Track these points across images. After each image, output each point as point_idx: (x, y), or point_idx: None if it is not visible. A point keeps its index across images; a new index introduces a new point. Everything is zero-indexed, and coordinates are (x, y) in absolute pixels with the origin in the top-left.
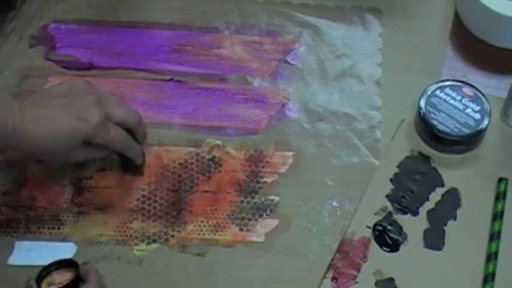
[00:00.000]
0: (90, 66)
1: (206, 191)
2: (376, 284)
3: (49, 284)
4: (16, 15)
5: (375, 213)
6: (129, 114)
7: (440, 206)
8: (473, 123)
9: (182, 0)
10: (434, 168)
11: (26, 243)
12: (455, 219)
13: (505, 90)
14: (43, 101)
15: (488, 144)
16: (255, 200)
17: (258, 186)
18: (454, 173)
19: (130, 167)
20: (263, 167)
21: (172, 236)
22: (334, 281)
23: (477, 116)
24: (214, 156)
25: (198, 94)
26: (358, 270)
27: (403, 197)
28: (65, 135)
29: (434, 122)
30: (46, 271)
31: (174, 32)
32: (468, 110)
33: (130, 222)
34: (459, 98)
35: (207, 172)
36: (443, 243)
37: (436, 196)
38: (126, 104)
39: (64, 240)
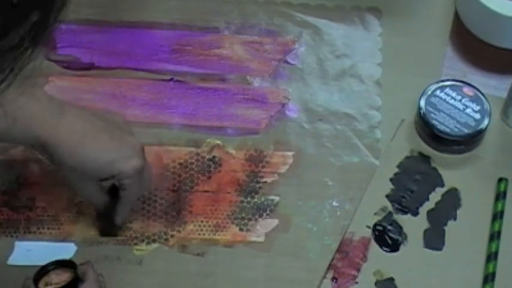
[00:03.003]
0: (90, 66)
1: (206, 191)
2: (376, 284)
3: (46, 284)
4: None
5: (375, 213)
6: (150, 179)
7: (440, 206)
8: (473, 123)
9: (182, 0)
10: (434, 168)
11: (26, 244)
12: (455, 219)
13: (505, 90)
14: (89, 117)
15: (488, 144)
16: (255, 200)
17: (258, 186)
18: (454, 173)
19: (105, 229)
20: (263, 167)
21: (172, 236)
22: (334, 281)
23: (477, 116)
24: (214, 156)
25: (198, 94)
26: (358, 270)
27: (403, 197)
28: (105, 164)
29: (434, 122)
30: (43, 271)
31: (174, 32)
32: (468, 110)
33: (130, 222)
34: (459, 98)
35: (207, 172)
36: (443, 243)
37: (436, 196)
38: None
39: (64, 240)
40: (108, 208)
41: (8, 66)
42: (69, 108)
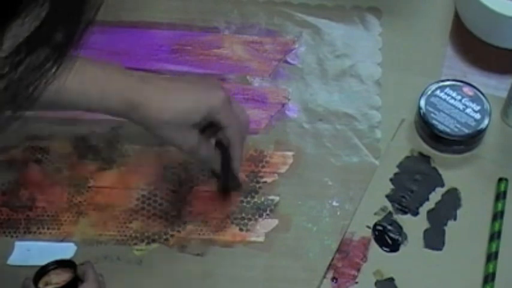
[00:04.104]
0: None
1: (206, 191)
2: (376, 284)
3: (46, 284)
4: None
5: (375, 213)
6: (245, 111)
7: (440, 206)
8: (473, 123)
9: (182, 0)
10: (434, 168)
11: (26, 244)
12: (455, 219)
13: (505, 90)
14: (166, 77)
15: (489, 144)
16: (255, 199)
17: (258, 186)
18: (454, 173)
19: (227, 184)
20: (263, 167)
21: (172, 235)
22: (334, 281)
23: (477, 115)
24: None
25: None
26: (358, 270)
27: (403, 197)
28: (192, 104)
29: (434, 121)
30: (43, 271)
31: (174, 32)
32: (468, 110)
33: (130, 222)
34: (459, 97)
35: (207, 172)
36: (443, 243)
37: (436, 196)
38: None
39: (64, 240)
40: (223, 161)
41: (33, 83)
42: (148, 74)
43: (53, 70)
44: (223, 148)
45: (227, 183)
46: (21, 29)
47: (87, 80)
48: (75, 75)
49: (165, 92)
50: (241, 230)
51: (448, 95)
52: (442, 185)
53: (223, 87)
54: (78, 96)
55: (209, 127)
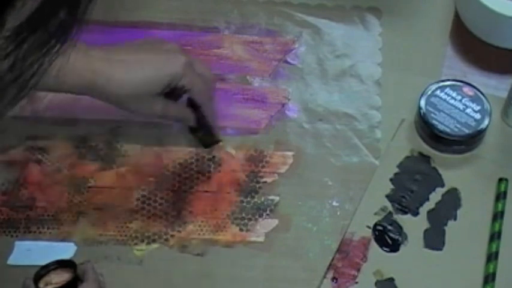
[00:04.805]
0: None
1: (206, 191)
2: (376, 284)
3: (46, 284)
4: None
5: (375, 213)
6: (208, 69)
7: (440, 206)
8: (473, 123)
9: (182, 0)
10: (435, 168)
11: (26, 243)
12: (455, 219)
13: (505, 90)
14: (126, 48)
15: (489, 144)
16: (255, 200)
17: (258, 186)
18: (454, 173)
19: (206, 140)
20: (263, 167)
21: (172, 236)
22: (334, 281)
23: (477, 116)
24: (214, 156)
25: None
26: (358, 270)
27: (403, 197)
28: (153, 74)
29: (434, 121)
30: (44, 271)
31: (174, 32)
32: (468, 110)
33: (130, 222)
34: (459, 97)
35: (207, 172)
36: (444, 243)
37: (436, 196)
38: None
39: (64, 240)
40: (198, 119)
41: (36, 61)
42: (109, 49)
43: (56, 48)
44: (195, 106)
45: (206, 138)
46: (23, 8)
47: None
48: None
49: (125, 66)
50: (241, 230)
51: (448, 95)
52: (442, 185)
53: (183, 50)
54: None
55: (176, 89)
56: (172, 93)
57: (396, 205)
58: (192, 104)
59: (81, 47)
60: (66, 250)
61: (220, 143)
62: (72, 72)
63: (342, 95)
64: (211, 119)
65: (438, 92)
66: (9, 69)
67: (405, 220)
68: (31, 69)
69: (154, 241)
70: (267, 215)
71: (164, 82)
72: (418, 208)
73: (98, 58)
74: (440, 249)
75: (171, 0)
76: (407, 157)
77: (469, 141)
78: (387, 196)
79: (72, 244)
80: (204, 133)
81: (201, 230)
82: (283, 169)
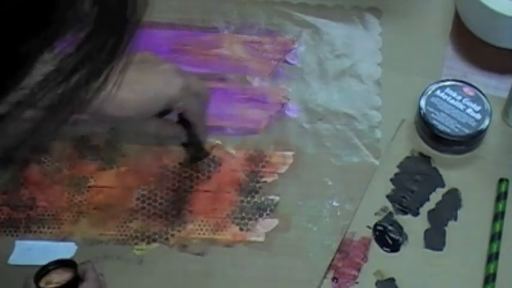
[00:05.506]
0: None
1: (206, 191)
2: (376, 284)
3: (47, 283)
4: None
5: (376, 214)
6: (204, 86)
7: (440, 207)
8: (473, 124)
9: (182, 0)
10: (435, 169)
11: (26, 243)
12: (455, 219)
13: (505, 90)
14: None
15: (489, 145)
16: (255, 199)
17: (258, 186)
18: (455, 173)
19: (195, 155)
20: (263, 166)
21: (172, 235)
22: (335, 281)
23: (478, 116)
24: (214, 156)
25: None
26: (359, 270)
27: (404, 197)
28: (151, 98)
29: (434, 122)
30: (44, 270)
31: (173, 31)
32: (469, 110)
33: (131, 222)
34: (459, 98)
35: (207, 172)
36: (444, 243)
37: (436, 196)
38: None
39: (64, 239)
40: (189, 135)
41: (86, 89)
42: None
43: (105, 74)
44: (187, 124)
45: (195, 153)
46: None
47: None
48: None
49: (124, 88)
50: (241, 229)
51: (449, 95)
52: (443, 186)
53: (179, 70)
54: None
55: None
56: (164, 112)
57: (396, 205)
58: (183, 121)
59: None
60: (66, 250)
61: (220, 144)
62: None
63: (341, 95)
64: (202, 137)
65: (438, 92)
66: (59, 96)
67: (405, 220)
68: (75, 105)
69: (154, 240)
70: (267, 214)
71: (161, 105)
72: (418, 208)
73: None
74: (440, 249)
75: (170, 0)
76: (407, 157)
77: (470, 142)
78: (387, 196)
79: (72, 244)
80: (194, 148)
81: (201, 229)
82: (283, 169)
